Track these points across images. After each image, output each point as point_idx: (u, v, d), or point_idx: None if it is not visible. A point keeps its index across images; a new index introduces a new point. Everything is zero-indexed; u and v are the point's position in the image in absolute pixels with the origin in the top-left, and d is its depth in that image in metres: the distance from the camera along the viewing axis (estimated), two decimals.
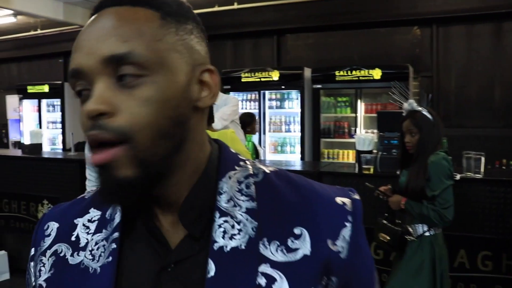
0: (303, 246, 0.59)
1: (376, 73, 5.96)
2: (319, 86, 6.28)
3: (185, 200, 0.60)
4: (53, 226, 0.69)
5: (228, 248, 0.58)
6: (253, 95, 6.64)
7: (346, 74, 6.11)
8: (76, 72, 0.56)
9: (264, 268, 0.57)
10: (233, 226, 0.59)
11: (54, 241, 0.67)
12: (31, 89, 8.72)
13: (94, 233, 0.65)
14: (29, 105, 8.99)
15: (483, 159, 3.10)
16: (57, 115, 8.62)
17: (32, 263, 0.69)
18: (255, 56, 7.93)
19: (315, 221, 0.61)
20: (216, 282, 0.56)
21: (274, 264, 0.58)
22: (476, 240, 3.08)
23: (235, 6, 7.18)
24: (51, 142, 8.83)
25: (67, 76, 7.99)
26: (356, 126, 6.24)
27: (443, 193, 2.53)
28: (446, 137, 3.09)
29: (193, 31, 0.61)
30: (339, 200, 0.63)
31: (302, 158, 6.28)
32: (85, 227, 0.66)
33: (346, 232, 0.61)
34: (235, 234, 0.59)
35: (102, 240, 0.63)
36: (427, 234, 2.60)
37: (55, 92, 8.49)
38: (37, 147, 5.01)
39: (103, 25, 0.56)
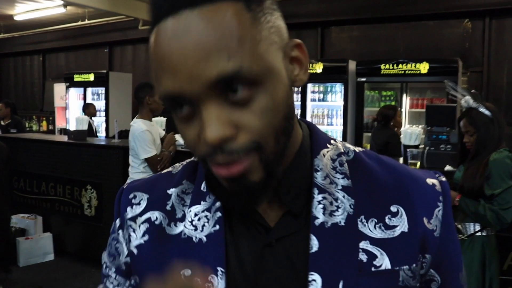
0: (401, 223, 0.60)
1: (423, 67, 5.77)
2: (363, 79, 6.15)
3: (284, 177, 0.59)
4: (142, 196, 0.68)
5: (329, 224, 0.58)
6: (296, 88, 6.58)
7: (391, 68, 5.95)
8: (176, 97, 0.51)
9: (364, 244, 0.58)
10: (331, 203, 0.59)
11: (147, 209, 0.66)
12: (77, 78, 8.97)
13: (190, 205, 0.64)
14: (75, 93, 9.25)
15: None
16: (101, 104, 8.82)
17: (120, 231, 0.68)
18: None
19: (410, 199, 0.61)
20: (320, 257, 0.57)
21: (373, 241, 0.58)
22: None
23: None
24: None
25: (112, 66, 8.08)
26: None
27: (504, 193, 2.40)
28: None
29: (272, 4, 0.55)
30: (429, 181, 0.64)
31: None
32: (179, 198, 0.65)
33: (439, 212, 0.62)
34: (334, 211, 0.59)
35: (203, 211, 0.62)
36: (478, 234, 2.48)
37: (100, 81, 8.70)
38: (82, 133, 5.13)
39: (191, 38, 0.48)
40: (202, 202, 0.63)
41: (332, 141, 0.65)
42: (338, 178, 0.61)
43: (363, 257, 0.57)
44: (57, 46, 10.91)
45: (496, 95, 6.50)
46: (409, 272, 0.59)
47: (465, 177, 2.52)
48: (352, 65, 6.25)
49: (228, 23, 0.49)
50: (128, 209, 0.67)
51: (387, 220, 0.60)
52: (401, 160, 3.53)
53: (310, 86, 6.54)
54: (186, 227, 0.62)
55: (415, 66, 5.81)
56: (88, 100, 9.01)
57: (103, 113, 8.77)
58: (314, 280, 0.56)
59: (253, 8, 0.51)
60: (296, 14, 7.51)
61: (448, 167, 3.04)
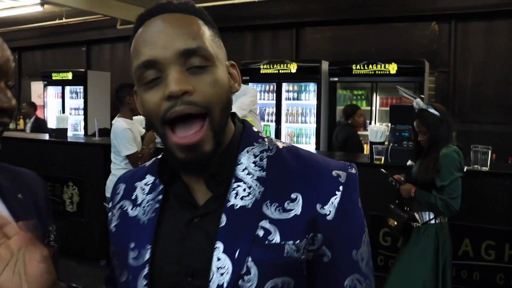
0: (296, 208, 0.74)
1: (392, 68, 6.05)
2: (336, 79, 6.38)
3: (211, 169, 0.77)
4: (122, 187, 0.91)
5: (238, 206, 0.75)
6: (271, 86, 6.76)
7: (362, 68, 6.20)
8: (150, 62, 0.72)
9: (264, 223, 0.73)
10: (244, 190, 0.76)
11: (121, 198, 0.89)
12: (55, 76, 8.97)
13: (147, 194, 0.84)
14: (53, 91, 9.25)
15: (489, 152, 3.21)
16: (80, 102, 8.87)
17: (109, 214, 0.92)
18: (274, 49, 8.04)
19: (310, 189, 0.75)
20: (226, 230, 0.73)
21: (272, 221, 0.74)
22: (481, 230, 3.20)
23: None
24: (73, 128, 9.07)
25: (90, 64, 8.09)
26: (371, 119, 6.32)
27: (452, 184, 2.66)
28: (455, 131, 3.21)
29: (218, 33, 0.79)
30: (335, 173, 0.77)
31: (317, 149, 6.41)
32: (141, 189, 0.86)
33: (335, 199, 0.75)
34: (245, 196, 0.75)
35: (151, 200, 0.83)
36: (432, 222, 2.74)
37: (79, 80, 8.73)
38: (63, 131, 5.22)
39: (171, 26, 0.73)
40: (152, 193, 0.83)
41: (260, 140, 0.81)
42: (255, 171, 0.77)
43: (260, 232, 0.73)
44: (33, 44, 10.83)
45: (461, 94, 6.79)
46: (293, 247, 0.72)
47: (419, 171, 2.78)
48: (325, 65, 6.47)
49: (195, 23, 0.74)
50: (114, 198, 0.91)
51: (285, 205, 0.74)
52: (363, 155, 3.78)
53: (284, 86, 6.73)
54: (139, 212, 0.83)
55: (384, 66, 6.08)
56: (66, 99, 9.04)
57: (81, 112, 8.82)
58: (217, 247, 0.72)
59: (208, 26, 0.77)
60: (272, 15, 7.69)
61: (409, 162, 3.29)
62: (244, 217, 0.74)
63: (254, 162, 0.78)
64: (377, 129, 3.67)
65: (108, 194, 3.82)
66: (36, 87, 9.74)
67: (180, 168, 0.79)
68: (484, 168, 3.22)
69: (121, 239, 0.84)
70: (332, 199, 0.75)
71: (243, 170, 0.77)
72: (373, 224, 3.30)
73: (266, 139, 0.82)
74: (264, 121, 6.74)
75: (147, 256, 0.78)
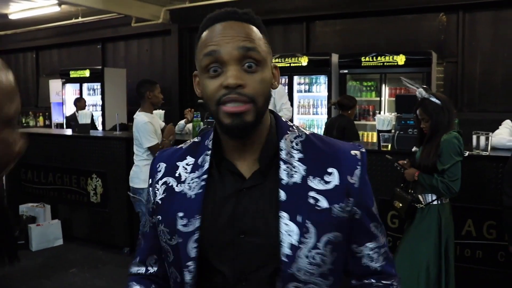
0: (334, 180, 0.97)
1: (400, 59, 6.21)
2: (345, 71, 6.56)
3: (261, 152, 0.98)
4: (162, 165, 1.07)
5: (291, 183, 0.95)
6: (283, 80, 6.91)
7: (371, 60, 6.37)
8: (216, 57, 0.91)
9: (312, 193, 0.95)
10: (291, 169, 0.96)
11: (164, 175, 1.05)
12: (73, 74, 9.22)
13: (190, 173, 1.02)
14: (71, 89, 9.49)
15: (490, 138, 3.39)
16: (97, 98, 9.11)
17: (150, 188, 1.08)
18: (285, 42, 8.17)
19: (340, 164, 0.98)
20: (287, 203, 0.93)
21: (318, 191, 0.95)
22: (482, 211, 3.38)
23: None
24: None
25: (105, 61, 8.26)
26: (380, 109, 6.49)
27: (452, 167, 2.85)
28: (458, 119, 3.39)
29: (269, 41, 0.98)
30: (353, 152, 1.01)
31: None
32: (184, 168, 1.03)
33: (358, 171, 0.99)
34: (293, 174, 0.96)
35: (196, 178, 1.00)
36: (435, 203, 2.93)
37: (96, 77, 8.97)
38: (86, 126, 5.49)
39: (235, 29, 0.92)
40: (196, 172, 1.00)
41: (290, 128, 1.02)
42: (295, 153, 0.98)
43: (311, 201, 0.94)
44: (50, 43, 11.06)
45: (470, 84, 6.87)
46: (339, 208, 0.95)
47: (422, 156, 2.97)
48: (335, 58, 6.65)
49: (253, 30, 0.93)
50: (155, 175, 1.07)
51: (326, 178, 0.96)
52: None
53: (296, 78, 6.91)
54: (185, 188, 0.99)
55: (393, 58, 6.24)
56: (84, 95, 9.29)
57: (99, 108, 9.05)
58: (283, 216, 0.92)
59: (263, 34, 0.96)
60: (283, 10, 7.80)
61: (414, 148, 3.47)
62: (298, 190, 0.94)
63: (292, 147, 0.98)
64: (384, 118, 3.86)
65: (132, 184, 4.07)
66: (54, 85, 9.96)
67: (226, 133, 0.95)
68: (484, 153, 3.39)
69: (169, 209, 1.00)
70: (356, 171, 0.99)
71: (286, 154, 0.97)
72: (381, 207, 3.47)
73: (294, 127, 1.03)
74: None
75: (197, 224, 0.95)
